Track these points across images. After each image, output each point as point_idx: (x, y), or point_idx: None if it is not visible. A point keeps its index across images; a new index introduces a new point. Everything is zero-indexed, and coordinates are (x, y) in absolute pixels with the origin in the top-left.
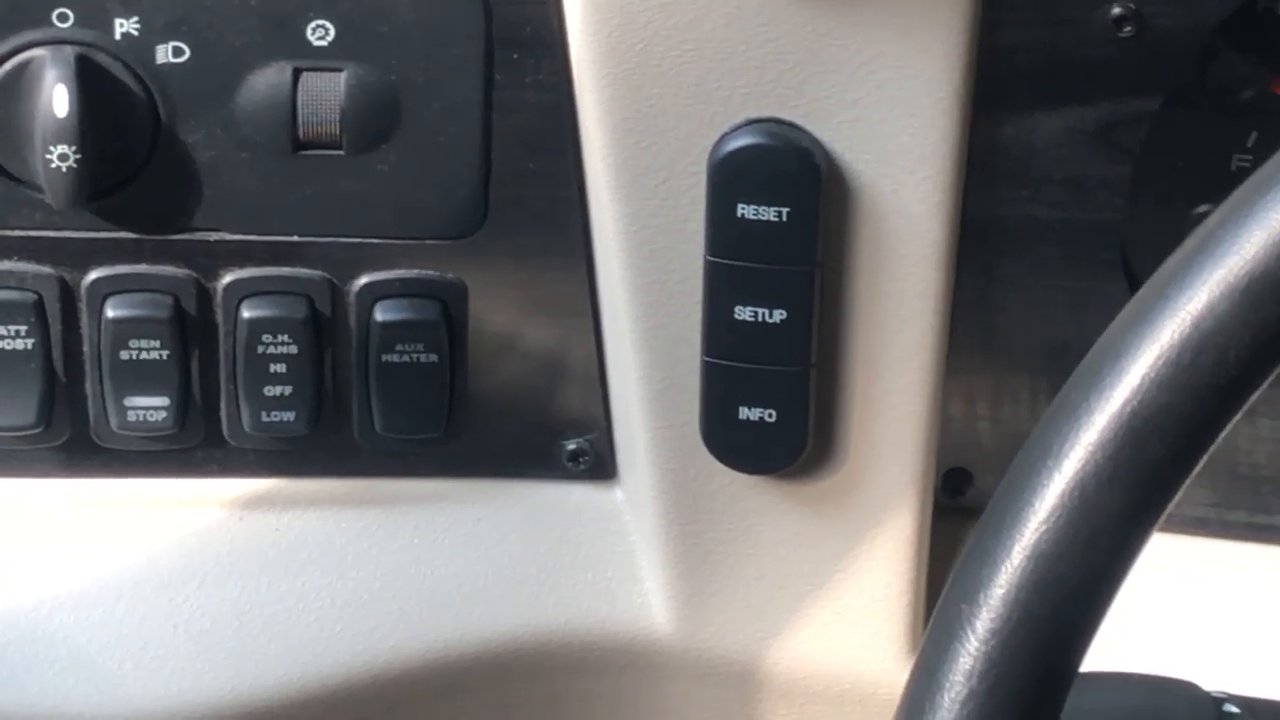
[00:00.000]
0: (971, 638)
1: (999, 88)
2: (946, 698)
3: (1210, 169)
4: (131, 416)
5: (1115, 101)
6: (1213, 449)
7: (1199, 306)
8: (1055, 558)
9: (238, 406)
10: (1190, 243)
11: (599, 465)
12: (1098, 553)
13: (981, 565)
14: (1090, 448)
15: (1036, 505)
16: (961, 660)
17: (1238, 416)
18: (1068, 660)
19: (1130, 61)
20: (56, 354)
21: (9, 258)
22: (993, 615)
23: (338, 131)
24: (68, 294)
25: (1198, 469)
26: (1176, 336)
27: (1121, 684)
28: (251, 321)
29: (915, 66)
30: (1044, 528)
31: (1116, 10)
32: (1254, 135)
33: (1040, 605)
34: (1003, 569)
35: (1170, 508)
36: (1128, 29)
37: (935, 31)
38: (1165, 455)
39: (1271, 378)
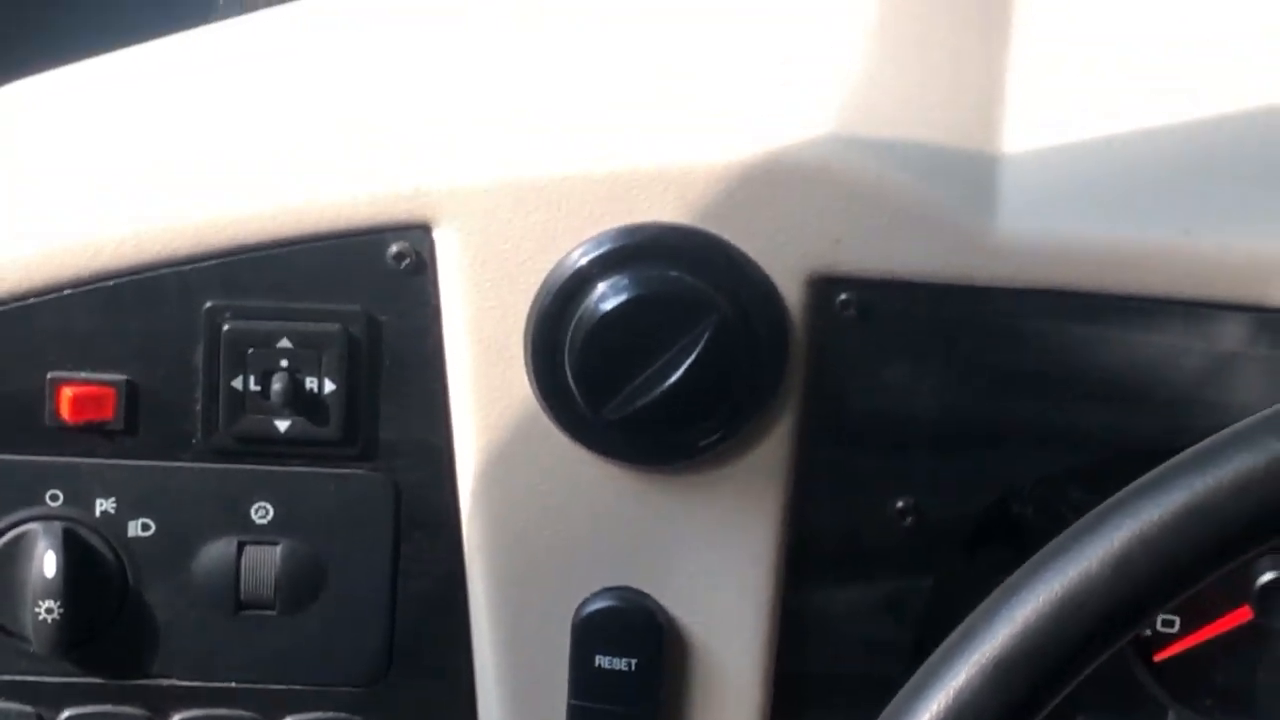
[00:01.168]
0: None
1: (807, 562)
2: None
3: None
4: None
5: (900, 577)
6: None
7: (959, 681)
8: None
9: None
10: (956, 633)
11: None
12: None
13: None
14: None
15: None
16: None
17: None
18: None
19: (911, 545)
20: None
21: None
22: None
23: (272, 595)
24: None
25: None
26: (941, 705)
27: None
28: None
29: (738, 546)
30: None
31: (900, 504)
32: None
33: None
34: None
35: None
36: (909, 519)
37: (754, 518)
38: None
39: None
